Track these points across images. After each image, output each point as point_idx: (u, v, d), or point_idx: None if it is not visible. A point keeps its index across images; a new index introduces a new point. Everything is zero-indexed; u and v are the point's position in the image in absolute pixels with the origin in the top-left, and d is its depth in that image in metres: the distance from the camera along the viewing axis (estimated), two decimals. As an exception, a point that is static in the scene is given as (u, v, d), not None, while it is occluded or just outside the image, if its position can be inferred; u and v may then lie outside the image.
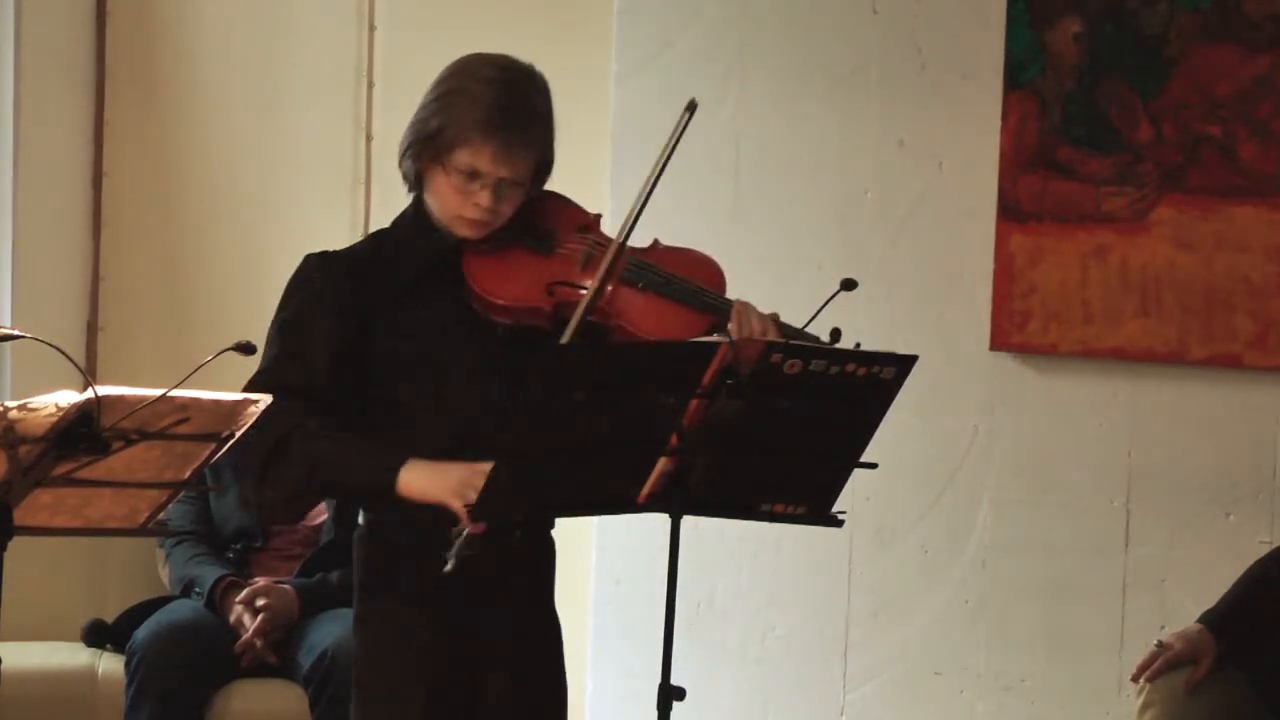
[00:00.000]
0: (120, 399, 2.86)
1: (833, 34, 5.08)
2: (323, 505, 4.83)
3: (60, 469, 2.91)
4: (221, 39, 5.73)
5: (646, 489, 3.00)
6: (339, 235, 5.74)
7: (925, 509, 5.04)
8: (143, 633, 4.60)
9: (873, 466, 3.11)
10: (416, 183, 3.29)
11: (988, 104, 4.94)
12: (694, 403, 2.93)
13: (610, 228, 3.33)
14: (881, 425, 3.06)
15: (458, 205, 3.22)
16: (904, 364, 3.02)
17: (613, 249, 3.20)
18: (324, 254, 3.30)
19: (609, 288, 3.19)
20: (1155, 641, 4.16)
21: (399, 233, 3.32)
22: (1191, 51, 4.80)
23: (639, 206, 3.22)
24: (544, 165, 3.29)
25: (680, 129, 3.22)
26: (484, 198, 3.20)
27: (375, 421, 3.23)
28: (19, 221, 5.56)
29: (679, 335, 3.17)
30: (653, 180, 3.23)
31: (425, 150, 3.24)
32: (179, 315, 5.70)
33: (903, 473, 4.97)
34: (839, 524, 3.13)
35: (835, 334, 3.22)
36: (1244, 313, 4.79)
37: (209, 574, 4.73)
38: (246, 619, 4.64)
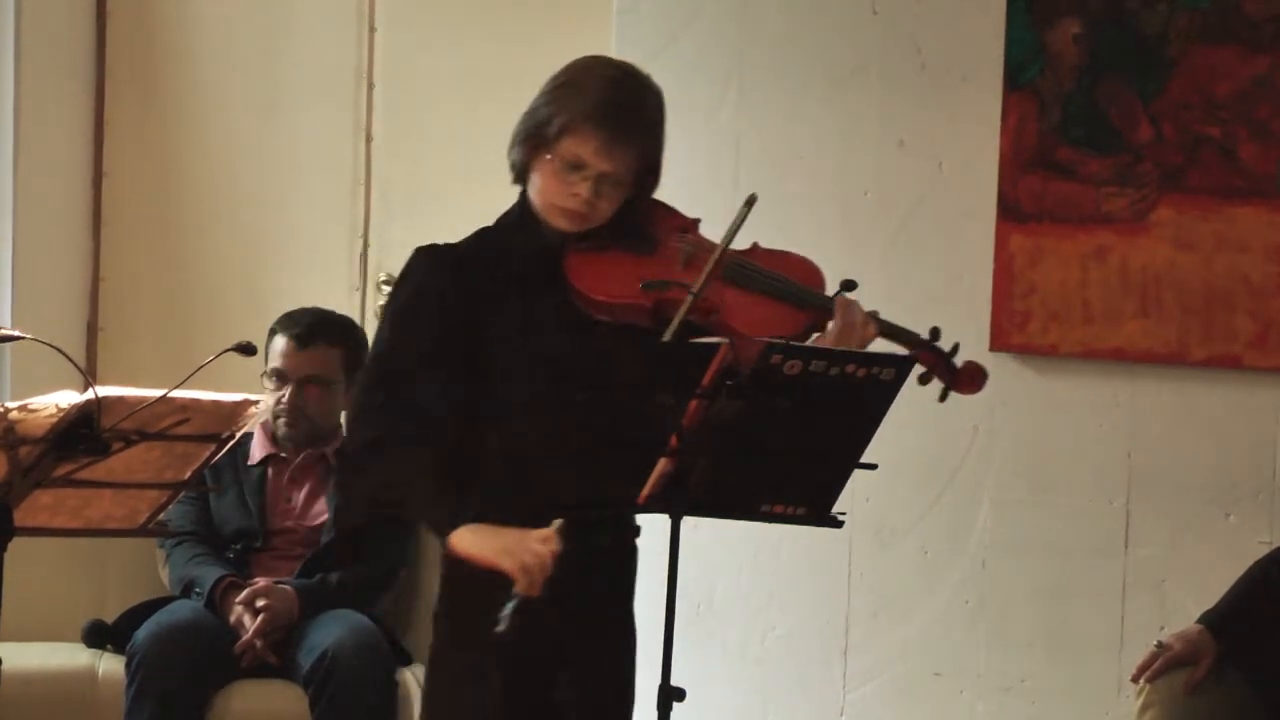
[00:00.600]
0: (120, 400, 2.87)
1: (833, 34, 5.08)
2: (323, 505, 4.83)
3: (60, 470, 2.92)
4: (221, 39, 5.73)
5: (646, 489, 3.00)
6: (339, 235, 5.75)
7: (925, 509, 5.04)
8: (143, 633, 4.60)
9: (873, 467, 3.11)
10: (521, 174, 3.30)
11: (988, 104, 4.94)
12: (694, 403, 2.93)
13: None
14: (881, 425, 3.06)
15: (556, 194, 3.24)
16: (903, 365, 3.02)
17: (717, 250, 3.21)
18: (430, 247, 3.32)
19: (710, 286, 3.20)
20: (1155, 642, 4.16)
21: (504, 229, 3.33)
22: (1191, 52, 4.80)
23: (740, 217, 3.23)
24: (649, 172, 3.31)
25: (738, 222, 3.23)
26: (583, 189, 3.22)
27: (477, 418, 3.24)
28: (19, 221, 5.56)
29: (781, 332, 3.18)
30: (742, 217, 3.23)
31: (532, 138, 3.26)
32: (179, 315, 5.70)
33: (903, 473, 4.96)
34: (839, 525, 3.13)
35: (935, 333, 3.33)
36: (1244, 313, 4.79)
37: (209, 574, 4.72)
38: (247, 619, 4.63)
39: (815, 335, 3.28)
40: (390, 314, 3.31)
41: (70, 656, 4.79)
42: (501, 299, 3.25)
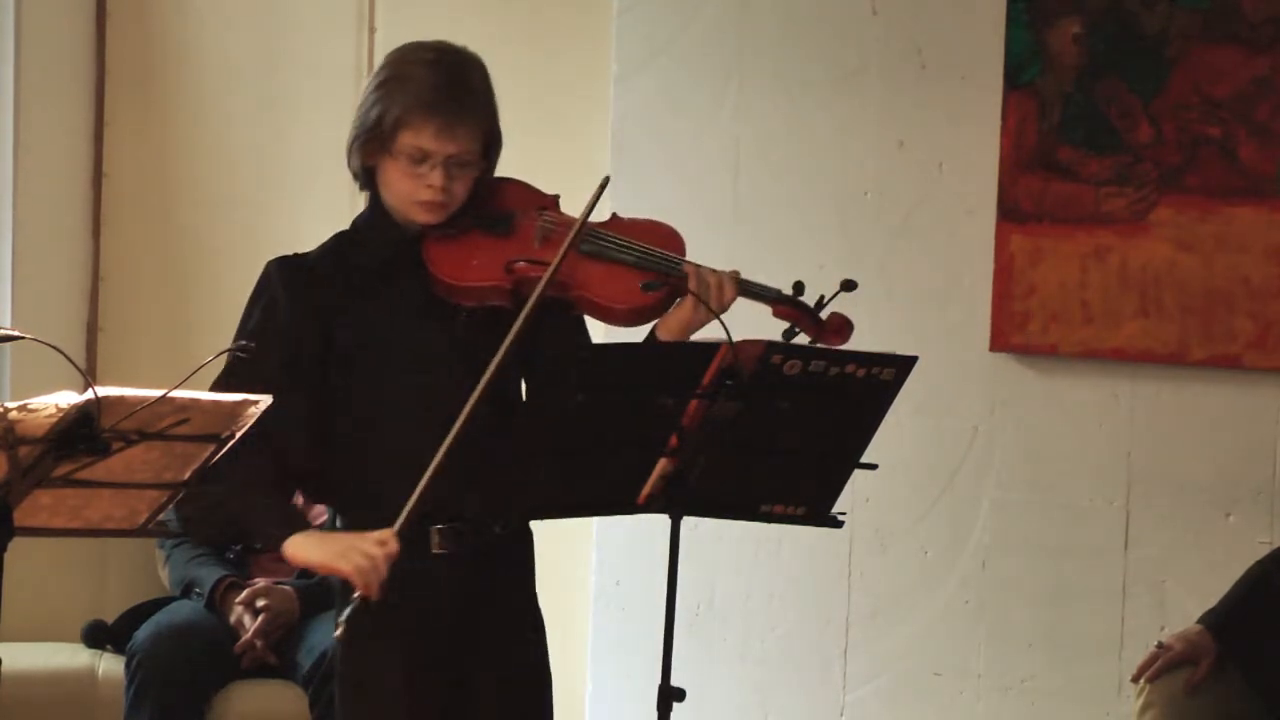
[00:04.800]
0: (120, 400, 2.86)
1: (833, 34, 5.08)
2: (322, 506, 4.83)
3: (60, 470, 2.91)
4: (221, 39, 5.73)
5: (646, 489, 3.00)
6: (339, 235, 5.74)
7: (925, 509, 5.04)
8: (143, 633, 4.60)
9: (873, 467, 3.11)
10: (368, 179, 3.30)
11: (988, 104, 4.93)
12: (694, 403, 2.93)
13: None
14: (881, 426, 3.06)
15: (411, 190, 3.24)
16: (903, 365, 3.02)
17: (575, 224, 3.20)
18: (282, 260, 3.32)
19: (568, 261, 3.19)
20: (1155, 642, 4.16)
21: (358, 231, 3.34)
22: (1191, 52, 4.80)
23: (598, 191, 3.22)
24: (492, 144, 3.31)
25: (593, 201, 3.22)
26: (435, 178, 3.22)
27: (347, 417, 3.24)
28: (19, 221, 5.56)
29: (639, 302, 3.20)
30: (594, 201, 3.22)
31: (371, 141, 3.26)
32: (179, 315, 5.70)
33: (903, 473, 4.96)
34: (839, 525, 3.13)
35: (798, 287, 3.28)
36: (1244, 313, 4.79)
37: (209, 575, 4.73)
38: (246, 620, 4.64)
39: (678, 302, 3.25)
40: (242, 333, 3.28)
41: (70, 656, 4.79)
42: (362, 298, 3.25)
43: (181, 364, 3.05)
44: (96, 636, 4.84)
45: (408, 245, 3.26)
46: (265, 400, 2.95)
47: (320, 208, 5.73)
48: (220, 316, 5.62)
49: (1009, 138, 4.91)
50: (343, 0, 5.73)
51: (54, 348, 2.96)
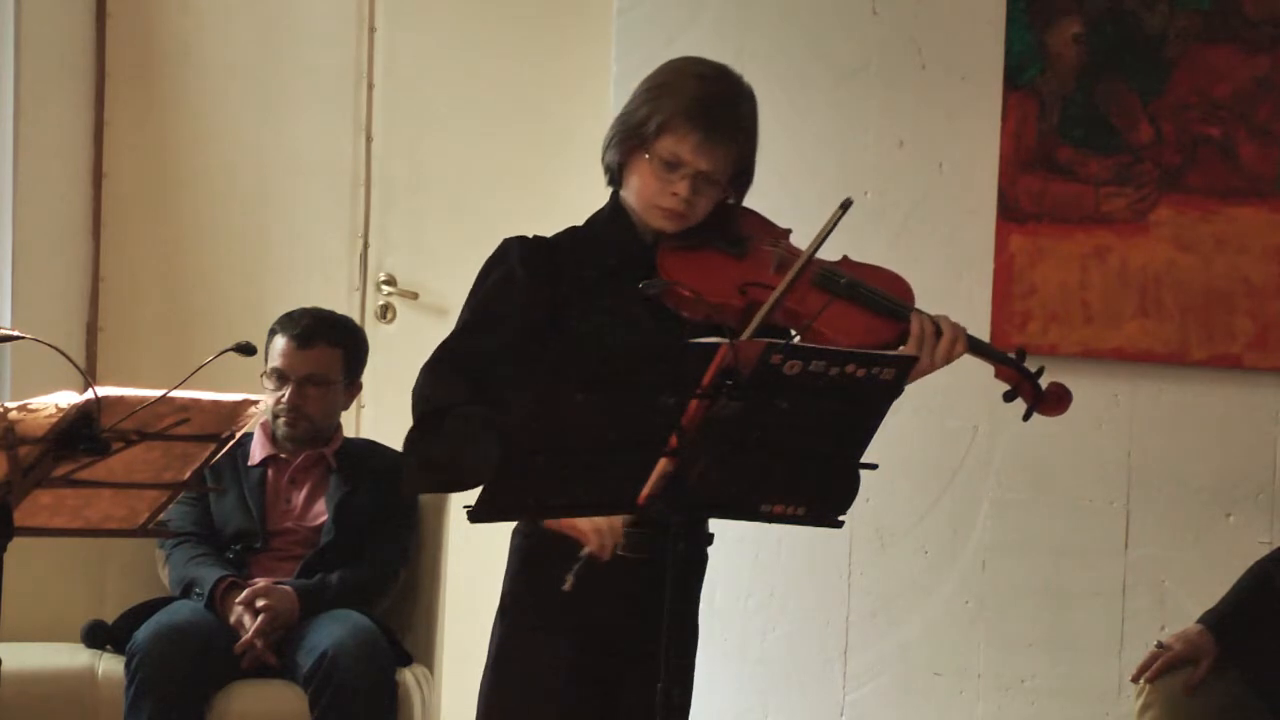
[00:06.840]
0: (120, 400, 2.87)
1: (833, 34, 5.08)
2: (323, 505, 4.83)
3: (60, 470, 2.92)
4: (221, 39, 5.73)
5: (646, 489, 3.00)
6: (339, 235, 5.75)
7: (925, 509, 5.04)
8: (143, 633, 4.60)
9: (873, 467, 3.11)
10: (617, 175, 3.32)
11: (988, 104, 4.94)
12: (694, 403, 2.93)
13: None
14: (882, 426, 3.06)
15: (654, 194, 3.25)
16: (904, 365, 3.02)
17: (805, 253, 3.24)
18: (522, 238, 3.32)
19: (799, 290, 3.22)
20: (1155, 642, 4.16)
21: (596, 227, 3.35)
22: (1191, 52, 4.80)
23: (834, 220, 3.25)
24: (743, 173, 3.33)
25: (830, 225, 3.24)
26: (682, 188, 3.23)
27: None
28: (19, 221, 5.56)
29: (870, 341, 3.21)
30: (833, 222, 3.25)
31: (630, 139, 3.27)
32: (179, 315, 5.71)
33: (903, 473, 4.96)
34: (839, 525, 3.13)
35: (1021, 353, 3.37)
36: (1244, 313, 4.79)
37: (209, 575, 4.72)
38: (246, 620, 4.63)
39: (902, 348, 3.29)
40: (475, 298, 3.29)
41: (70, 656, 4.78)
42: (591, 293, 3.26)
43: (181, 364, 3.06)
44: (96, 636, 4.83)
45: (643, 249, 3.28)
46: (265, 400, 2.95)
47: (320, 208, 5.75)
48: (220, 316, 5.65)
49: (1009, 138, 4.91)
50: (343, 0, 5.73)
51: (54, 348, 2.96)
